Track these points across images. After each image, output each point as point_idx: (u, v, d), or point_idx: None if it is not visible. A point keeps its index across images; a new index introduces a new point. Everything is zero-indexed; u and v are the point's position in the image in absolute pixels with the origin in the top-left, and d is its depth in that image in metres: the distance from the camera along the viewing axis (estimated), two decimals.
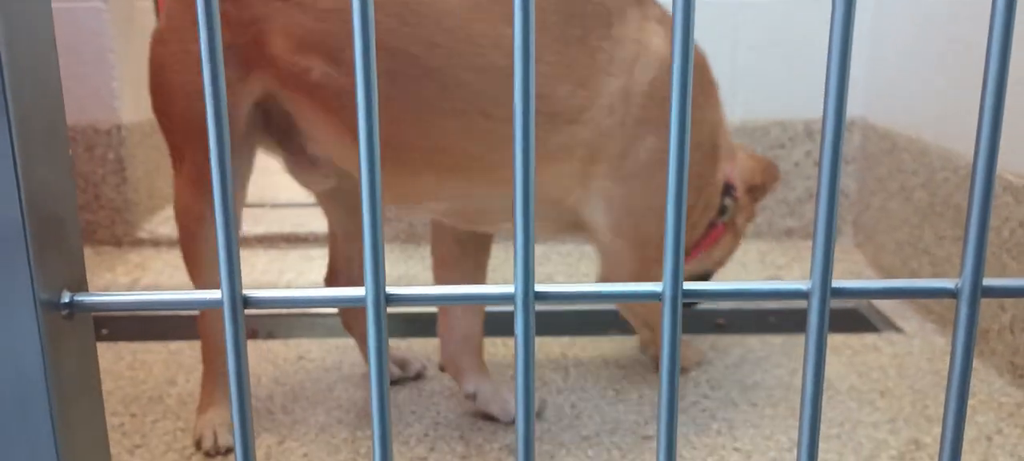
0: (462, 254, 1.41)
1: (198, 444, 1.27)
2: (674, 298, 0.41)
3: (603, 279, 1.35)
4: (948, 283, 0.42)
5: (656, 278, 0.40)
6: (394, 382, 1.52)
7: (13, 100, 0.39)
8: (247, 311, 0.40)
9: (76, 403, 0.43)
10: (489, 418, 1.38)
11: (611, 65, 1.17)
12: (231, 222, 0.39)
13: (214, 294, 0.40)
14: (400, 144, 1.15)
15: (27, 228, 0.40)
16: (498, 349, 1.66)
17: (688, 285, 0.41)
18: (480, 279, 1.44)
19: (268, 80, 1.18)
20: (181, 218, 1.29)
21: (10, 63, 0.39)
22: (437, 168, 1.19)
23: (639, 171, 1.20)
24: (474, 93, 1.12)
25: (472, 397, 1.38)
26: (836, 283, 0.41)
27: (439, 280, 1.46)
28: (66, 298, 0.41)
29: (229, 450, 1.28)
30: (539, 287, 0.40)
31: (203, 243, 1.26)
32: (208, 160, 0.37)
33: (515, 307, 0.40)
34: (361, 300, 0.40)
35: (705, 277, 1.57)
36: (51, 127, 0.42)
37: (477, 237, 1.40)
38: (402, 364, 1.55)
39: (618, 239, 1.26)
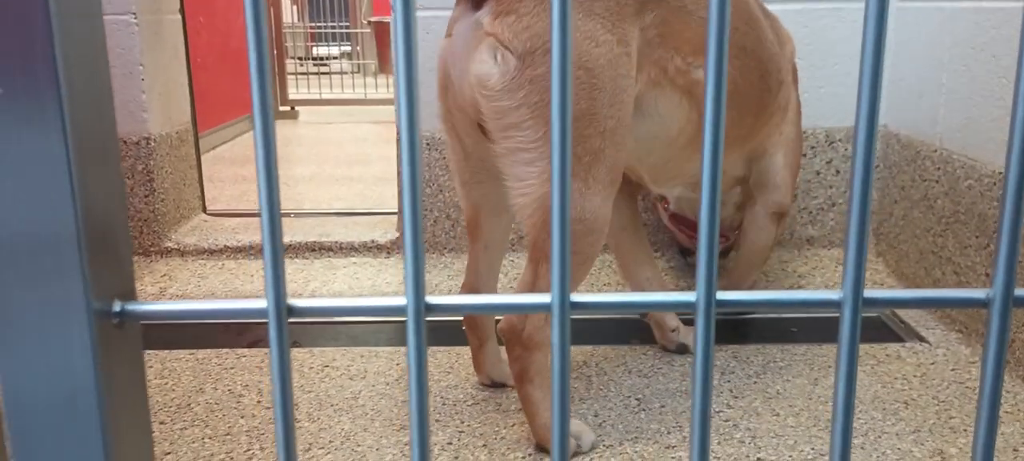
0: (632, 214, 1.70)
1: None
2: (708, 307, 0.41)
3: (767, 207, 1.66)
4: (979, 293, 0.42)
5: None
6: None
7: (70, 113, 0.40)
8: (291, 320, 0.41)
9: (125, 411, 0.44)
10: (512, 426, 1.39)
11: (780, 35, 1.57)
12: (278, 231, 0.41)
13: (260, 303, 0.42)
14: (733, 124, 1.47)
15: (81, 238, 0.41)
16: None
17: (721, 295, 0.42)
18: (643, 230, 1.73)
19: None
20: (578, 227, 1.24)
21: (66, 76, 0.40)
22: (730, 142, 1.50)
23: (794, 116, 1.64)
24: (764, 72, 1.47)
25: (676, 331, 1.70)
26: (868, 293, 0.42)
27: (621, 244, 1.71)
28: (118, 307, 0.43)
29: (592, 446, 1.34)
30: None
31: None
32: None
33: (553, 316, 0.41)
34: (402, 310, 0.41)
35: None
36: (103, 139, 0.44)
37: (634, 198, 1.70)
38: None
39: (786, 170, 1.62)
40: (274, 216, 0.40)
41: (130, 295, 0.44)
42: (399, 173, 0.37)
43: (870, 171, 0.41)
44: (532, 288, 1.26)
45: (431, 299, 0.42)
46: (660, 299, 0.42)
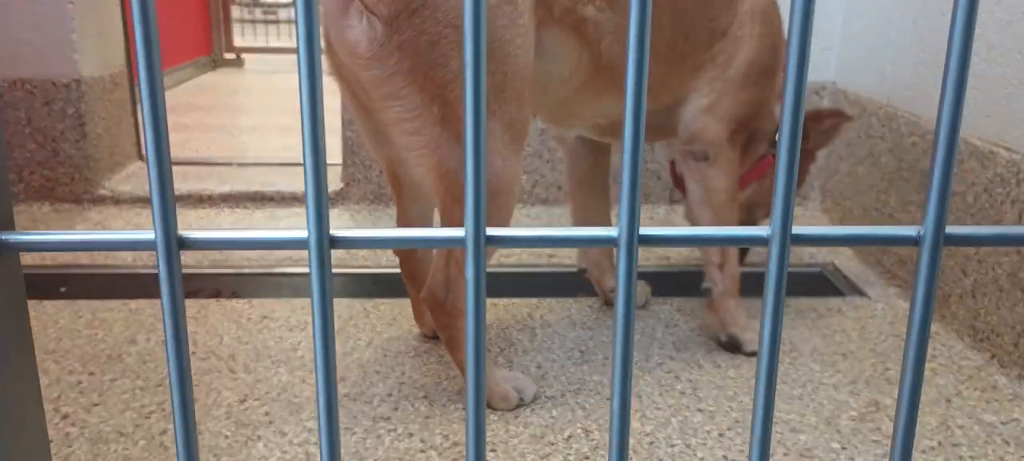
0: (595, 170, 1.67)
1: (513, 405, 1.32)
2: (630, 243, 0.39)
3: (685, 155, 1.51)
4: (910, 230, 0.41)
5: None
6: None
7: None
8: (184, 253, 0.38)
9: (4, 349, 0.41)
10: (453, 378, 1.37)
11: None
12: (165, 160, 0.37)
13: (147, 234, 0.38)
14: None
15: None
16: (499, 311, 1.65)
17: (644, 230, 0.40)
18: (607, 188, 1.69)
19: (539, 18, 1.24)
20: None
21: None
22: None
23: (744, 73, 1.47)
24: (682, 18, 1.38)
25: (613, 291, 1.61)
26: (796, 229, 0.40)
27: (576, 197, 1.68)
28: None
29: (534, 397, 1.34)
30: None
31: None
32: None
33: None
34: (303, 242, 0.38)
35: (752, 212, 1.69)
36: None
37: (603, 154, 1.67)
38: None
39: (706, 115, 1.46)
40: (161, 144, 0.37)
41: (6, 224, 0.40)
42: (301, 109, 0.34)
43: (800, 108, 0.39)
44: (447, 255, 1.23)
45: (336, 232, 0.39)
46: (581, 234, 0.40)
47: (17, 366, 0.41)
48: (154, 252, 0.38)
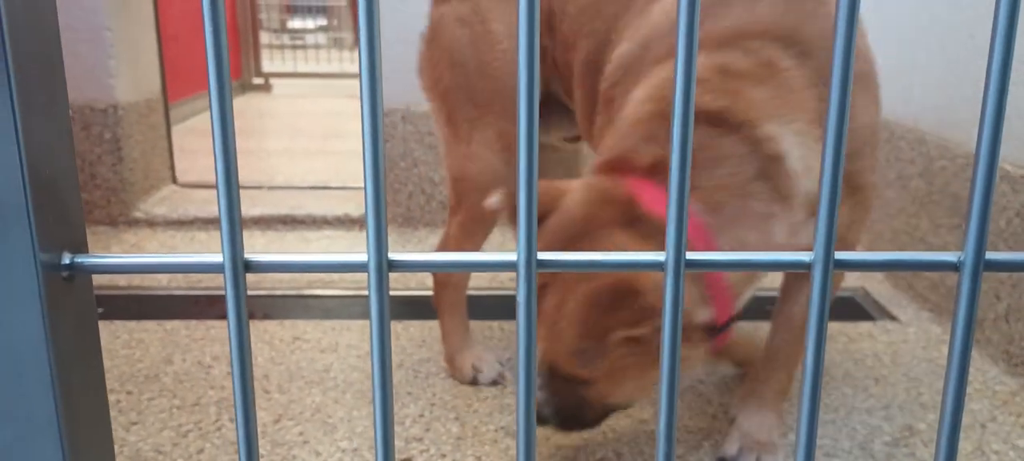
0: None
1: (466, 380, 1.44)
2: (676, 267, 0.41)
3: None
4: (950, 256, 0.42)
5: None
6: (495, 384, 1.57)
7: (15, 64, 0.39)
8: (250, 276, 0.40)
9: (76, 367, 0.43)
10: (484, 399, 1.38)
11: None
12: (234, 186, 0.39)
13: (215, 257, 0.40)
14: None
15: (28, 190, 0.39)
16: (494, 332, 1.66)
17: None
18: None
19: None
20: (463, 185, 1.41)
21: (11, 29, 0.38)
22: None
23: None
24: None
25: None
26: (839, 255, 0.41)
27: None
28: (66, 260, 0.41)
29: (493, 382, 1.45)
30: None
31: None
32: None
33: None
34: (363, 266, 0.40)
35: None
36: (51, 92, 0.42)
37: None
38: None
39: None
40: (230, 169, 0.38)
41: (80, 248, 0.42)
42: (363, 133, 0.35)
43: (842, 137, 0.40)
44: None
45: (394, 255, 0.41)
46: (624, 259, 0.42)
47: (90, 384, 0.43)
48: (205, 274, 0.40)
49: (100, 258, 0.41)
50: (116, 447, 1.23)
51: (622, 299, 0.94)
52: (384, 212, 0.40)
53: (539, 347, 1.09)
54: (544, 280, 1.02)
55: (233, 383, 0.41)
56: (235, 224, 0.39)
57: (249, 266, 0.40)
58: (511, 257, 0.41)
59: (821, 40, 1.08)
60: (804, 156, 1.02)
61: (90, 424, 0.43)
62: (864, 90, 1.11)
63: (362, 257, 0.40)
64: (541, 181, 1.11)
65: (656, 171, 1.01)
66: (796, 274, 1.35)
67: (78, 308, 0.42)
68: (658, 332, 0.97)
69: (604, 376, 1.02)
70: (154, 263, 0.41)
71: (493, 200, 1.10)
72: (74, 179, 0.43)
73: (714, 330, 1.03)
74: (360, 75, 0.39)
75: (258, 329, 1.66)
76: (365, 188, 0.39)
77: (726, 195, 1.00)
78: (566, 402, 1.06)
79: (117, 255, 0.41)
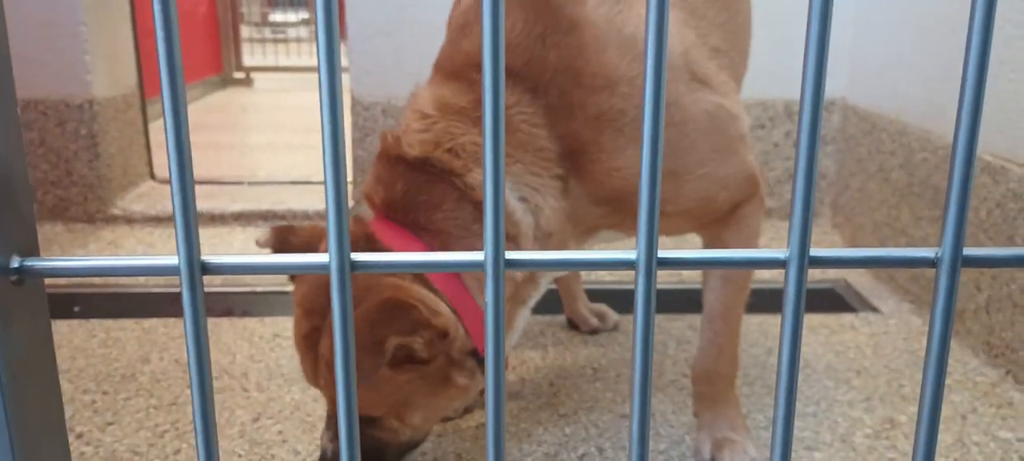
0: None
1: None
2: (648, 266, 0.39)
3: None
4: (928, 252, 0.41)
5: None
6: (594, 332, 1.65)
7: None
8: (207, 278, 0.39)
9: (27, 373, 0.41)
10: None
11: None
12: (189, 185, 0.38)
13: (171, 260, 0.39)
14: None
15: None
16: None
17: (663, 253, 0.40)
18: None
19: None
20: None
21: None
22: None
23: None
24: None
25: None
26: (814, 251, 0.40)
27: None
28: (16, 263, 0.40)
29: None
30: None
31: None
32: None
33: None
34: (324, 267, 0.39)
35: None
36: None
37: None
38: (601, 315, 1.66)
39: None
40: (185, 167, 0.37)
41: (31, 251, 0.41)
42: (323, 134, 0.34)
43: (817, 130, 0.39)
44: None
45: (357, 257, 0.39)
46: (599, 257, 0.40)
47: (42, 391, 0.41)
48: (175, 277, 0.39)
49: (51, 261, 0.40)
50: (91, 448, 1.21)
51: (393, 312, 0.94)
52: (346, 212, 0.38)
53: (325, 395, 1.07)
54: (316, 323, 1.01)
55: (191, 389, 0.39)
56: (190, 225, 0.37)
57: (206, 268, 0.39)
58: (479, 257, 0.40)
59: (555, 75, 1.01)
60: (524, 196, 1.03)
61: (42, 432, 0.42)
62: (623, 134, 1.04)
63: (323, 259, 0.39)
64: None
65: (389, 208, 1.04)
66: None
67: (29, 313, 0.41)
68: (438, 354, 1.00)
69: (390, 408, 1.02)
70: (107, 266, 0.39)
71: (260, 237, 1.09)
72: (25, 179, 0.42)
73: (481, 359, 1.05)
74: (318, 68, 0.37)
75: (237, 326, 1.64)
76: (326, 191, 0.38)
77: (449, 238, 1.02)
78: (361, 447, 1.05)
79: (69, 258, 0.40)
